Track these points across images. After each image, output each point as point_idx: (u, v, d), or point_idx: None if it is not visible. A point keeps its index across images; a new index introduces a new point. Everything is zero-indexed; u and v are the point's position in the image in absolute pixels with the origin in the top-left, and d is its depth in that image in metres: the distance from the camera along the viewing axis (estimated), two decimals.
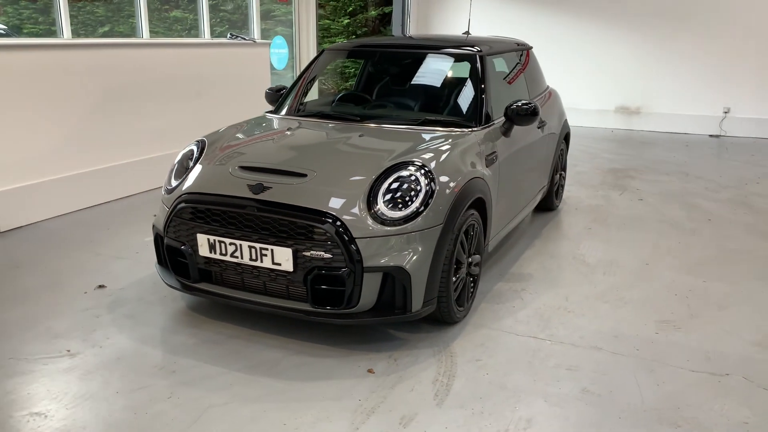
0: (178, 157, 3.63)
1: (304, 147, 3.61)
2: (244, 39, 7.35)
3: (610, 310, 3.69)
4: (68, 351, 3.12)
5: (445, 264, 3.18)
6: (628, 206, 5.89)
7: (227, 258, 3.12)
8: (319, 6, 12.31)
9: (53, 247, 4.53)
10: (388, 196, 3.06)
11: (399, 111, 4.18)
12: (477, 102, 3.96)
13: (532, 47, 5.49)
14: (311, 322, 3.31)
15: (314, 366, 3.02)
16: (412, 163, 3.18)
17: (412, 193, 3.08)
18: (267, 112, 4.28)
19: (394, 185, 3.10)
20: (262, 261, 3.03)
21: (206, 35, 7.35)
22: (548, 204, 5.56)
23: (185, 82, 6.44)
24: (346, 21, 11.82)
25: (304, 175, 3.14)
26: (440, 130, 3.73)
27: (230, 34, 7.43)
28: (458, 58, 4.22)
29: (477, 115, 3.90)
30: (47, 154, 5.15)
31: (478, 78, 4.05)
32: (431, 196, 3.08)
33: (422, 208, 3.05)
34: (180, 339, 3.25)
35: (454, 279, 3.30)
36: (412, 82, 4.40)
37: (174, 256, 3.32)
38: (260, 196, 3.07)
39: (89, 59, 5.45)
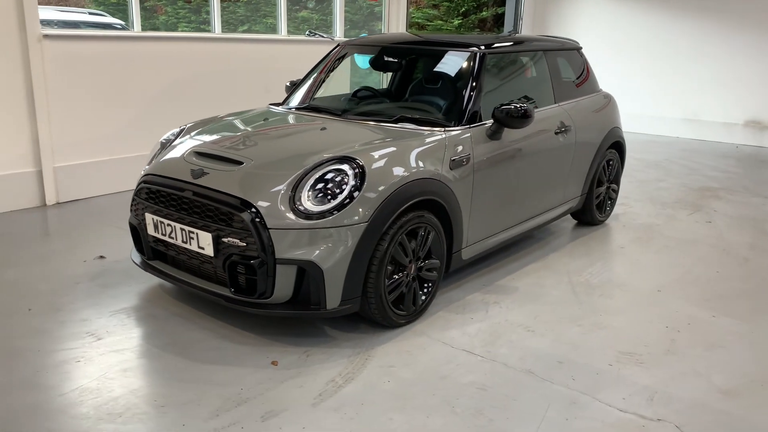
0: (160, 141, 3.84)
1: (259, 136, 3.63)
2: (323, 36, 7.54)
3: (576, 335, 3.35)
4: (29, 310, 3.43)
5: (374, 264, 3.08)
6: (687, 228, 5.28)
7: (166, 238, 3.25)
8: (433, 6, 12.29)
9: (91, 221, 4.98)
10: (314, 190, 3.02)
11: (385, 107, 4.10)
12: (462, 101, 3.77)
13: (580, 47, 5.10)
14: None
15: (226, 351, 3.06)
16: (345, 159, 3.11)
17: (338, 188, 3.01)
18: (271, 104, 4.38)
19: (323, 179, 3.05)
20: (190, 244, 3.13)
21: (283, 32, 7.62)
22: (588, 218, 5.15)
23: (256, 77, 6.74)
24: (458, 22, 11.69)
25: (241, 163, 3.19)
26: (410, 128, 3.61)
27: (309, 31, 7.66)
28: (457, 57, 4.04)
29: (458, 115, 3.71)
30: (110, 136, 5.66)
31: (471, 77, 3.85)
32: (356, 192, 3.00)
33: (346, 203, 2.97)
34: (127, 311, 3.44)
35: (389, 281, 3.18)
36: (408, 80, 4.29)
37: (136, 234, 3.52)
38: (198, 181, 3.17)
39: (162, 50, 5.90)
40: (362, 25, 10.04)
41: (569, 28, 11.11)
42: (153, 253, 3.44)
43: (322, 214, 2.95)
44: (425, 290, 3.48)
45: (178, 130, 3.87)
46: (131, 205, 3.50)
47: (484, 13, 11.68)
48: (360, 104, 4.27)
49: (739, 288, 4.05)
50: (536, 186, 4.26)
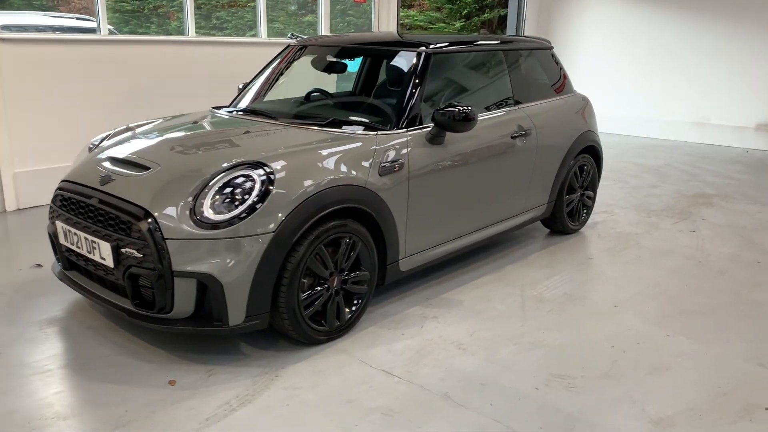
0: (88, 145, 3.70)
1: (177, 140, 3.43)
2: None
3: (509, 354, 3.11)
4: None
5: (285, 276, 2.88)
6: (668, 237, 4.97)
7: (74, 247, 3.10)
8: (436, 9, 12.07)
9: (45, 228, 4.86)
10: (219, 197, 2.83)
11: (321, 109, 3.90)
12: (401, 104, 3.55)
13: (551, 47, 4.84)
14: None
15: (128, 368, 2.89)
16: (254, 164, 2.92)
17: (244, 195, 2.82)
18: (214, 107, 4.20)
19: (229, 186, 2.86)
20: (93, 254, 2.97)
21: (263, 35, 7.48)
22: (559, 226, 4.87)
23: (226, 80, 6.59)
24: (460, 24, 11.45)
25: (147, 168, 3.03)
26: (338, 132, 3.40)
27: (291, 34, 7.50)
28: (401, 57, 3.82)
29: (396, 118, 3.50)
30: (73, 141, 5.55)
31: (412, 78, 3.63)
32: (262, 200, 2.80)
33: (250, 211, 2.78)
34: (41, 323, 3.29)
35: (306, 294, 2.98)
36: (363, 82, 4.09)
37: (54, 243, 3.38)
38: (103, 188, 3.01)
39: (128, 53, 5.81)
40: (367, 29, 9.89)
41: (574, 29, 10.80)
42: (68, 263, 3.29)
43: (223, 224, 2.76)
44: (355, 304, 3.27)
45: (105, 134, 3.73)
46: (48, 212, 3.36)
47: (486, 15, 11.42)
48: (301, 107, 4.08)
49: (705, 304, 3.75)
50: (489, 193, 4.01)
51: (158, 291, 2.76)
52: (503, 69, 4.30)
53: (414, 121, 3.54)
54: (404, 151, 3.40)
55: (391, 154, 3.34)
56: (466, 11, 11.49)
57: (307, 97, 4.31)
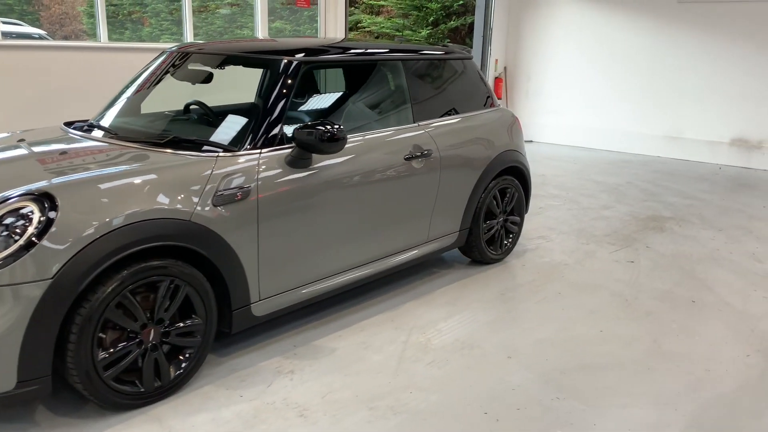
0: None
1: None
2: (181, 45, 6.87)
3: (358, 423, 2.59)
4: None
5: (73, 332, 2.37)
6: (600, 269, 4.45)
7: None
8: (403, 15, 11.60)
9: None
10: None
11: (171, 127, 3.40)
12: (257, 121, 3.05)
13: (468, 57, 4.34)
14: None
15: None
16: (32, 195, 2.41)
17: (12, 235, 2.32)
18: (66, 123, 3.65)
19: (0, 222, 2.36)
20: None
21: (103, 39, 6.59)
22: (476, 256, 4.35)
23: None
24: (427, 32, 10.98)
25: None
26: (169, 153, 2.90)
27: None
28: (266, 67, 3.32)
29: (248, 138, 2.99)
30: None
31: (273, 91, 3.13)
32: (38, 239, 2.29)
33: (14, 256, 2.27)
34: None
35: (105, 353, 2.47)
36: (209, 95, 3.59)
37: None
38: None
39: (27, 59, 5.32)
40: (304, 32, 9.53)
41: (544, 38, 10.31)
42: None
43: None
44: (186, 359, 2.76)
45: None
46: None
47: (452, 23, 10.94)
48: (151, 123, 3.57)
49: (613, 355, 3.23)
50: (376, 223, 3.50)
51: None
52: (401, 81, 3.79)
53: (273, 141, 3.03)
54: (253, 176, 2.89)
55: (234, 180, 2.83)
56: (432, 18, 11.01)
57: (186, 110, 3.80)
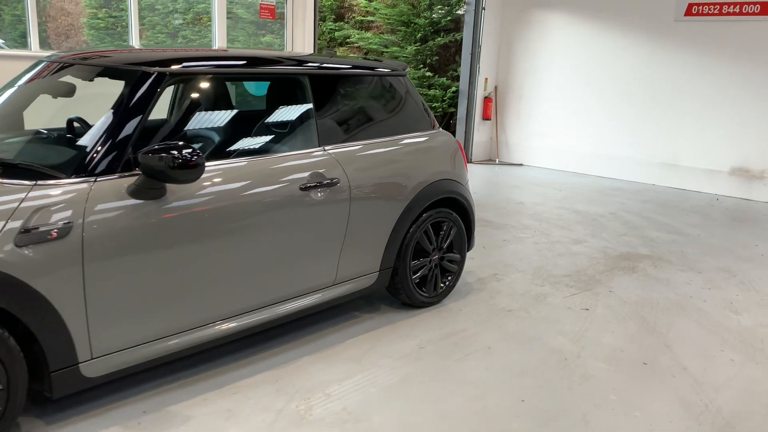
0: None
1: None
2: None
3: None
4: None
5: None
6: (547, 318, 3.86)
7: None
8: (392, 31, 11.13)
9: None
10: None
11: (9, 148, 2.90)
12: (92, 143, 2.55)
13: (400, 74, 3.81)
14: None
15: None
16: None
17: None
18: None
19: None
20: None
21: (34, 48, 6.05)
22: (404, 299, 3.80)
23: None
24: (414, 48, 10.50)
25: None
26: None
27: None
28: (126, 79, 2.82)
29: (78, 163, 2.49)
30: None
31: (120, 107, 2.63)
32: None
33: None
34: None
35: None
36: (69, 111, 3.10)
37: None
38: None
39: None
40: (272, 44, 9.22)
41: (537, 58, 9.77)
42: None
43: None
44: None
45: None
46: None
47: (440, 39, 10.45)
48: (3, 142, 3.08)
49: (529, 426, 2.65)
50: (258, 264, 2.96)
51: None
52: (305, 99, 3.27)
53: (116, 167, 2.52)
54: (77, 209, 2.38)
55: (48, 215, 2.32)
56: (420, 34, 10.53)
57: (70, 126, 3.31)
